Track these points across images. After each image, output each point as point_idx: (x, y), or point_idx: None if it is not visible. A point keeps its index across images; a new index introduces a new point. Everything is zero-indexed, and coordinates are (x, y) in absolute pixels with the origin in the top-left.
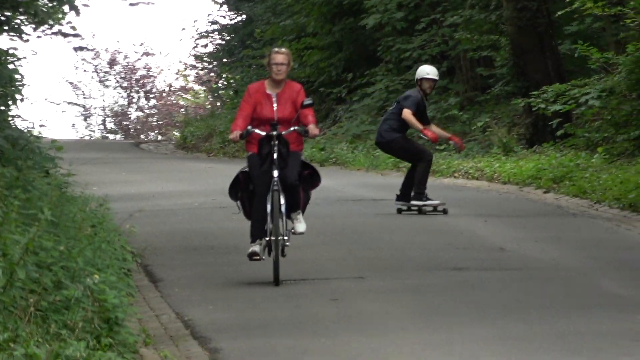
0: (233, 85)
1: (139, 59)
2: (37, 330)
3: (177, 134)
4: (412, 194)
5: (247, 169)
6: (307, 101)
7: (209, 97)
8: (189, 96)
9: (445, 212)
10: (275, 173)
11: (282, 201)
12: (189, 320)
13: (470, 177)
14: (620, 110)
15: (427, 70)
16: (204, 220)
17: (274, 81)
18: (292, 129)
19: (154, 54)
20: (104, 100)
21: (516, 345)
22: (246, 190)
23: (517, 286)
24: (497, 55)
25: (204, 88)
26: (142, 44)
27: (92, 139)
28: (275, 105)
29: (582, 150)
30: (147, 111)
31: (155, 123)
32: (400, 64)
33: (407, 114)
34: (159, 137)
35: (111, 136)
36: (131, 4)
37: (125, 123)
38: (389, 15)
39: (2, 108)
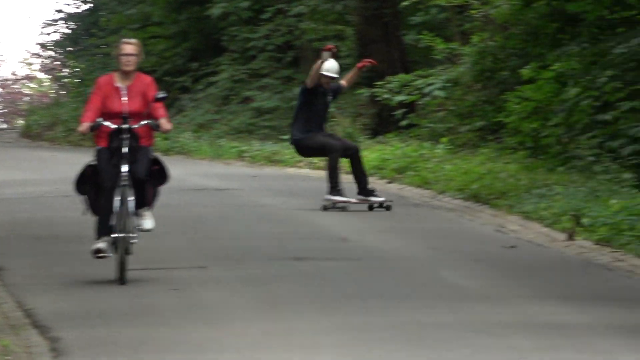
0: (78, 73)
1: None
2: None
3: (21, 122)
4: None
5: (94, 163)
6: (160, 94)
7: (54, 85)
8: (33, 84)
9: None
10: (125, 167)
11: (131, 197)
12: (30, 310)
13: (313, 167)
14: (464, 100)
15: (327, 67)
16: (47, 209)
17: (124, 73)
18: (143, 122)
19: None
20: None
21: (356, 335)
22: (93, 185)
23: (359, 276)
24: (342, 45)
25: (48, 76)
26: None
27: None
28: (125, 98)
29: (426, 141)
30: None
31: None
32: (245, 53)
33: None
34: (3, 126)
35: None
36: None
37: None
38: (234, 4)
39: None
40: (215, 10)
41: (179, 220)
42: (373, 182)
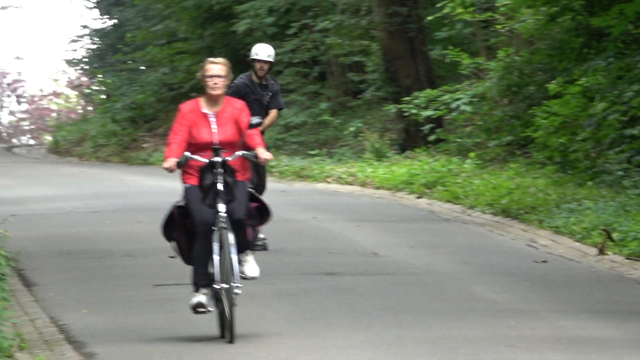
0: (105, 89)
1: (10, 63)
2: None
3: (49, 138)
4: None
5: (182, 204)
6: (255, 120)
7: (81, 101)
8: (60, 100)
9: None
10: (222, 207)
11: (232, 240)
12: (64, 325)
13: (343, 182)
14: (491, 115)
15: (255, 50)
16: (77, 224)
17: (211, 98)
18: (239, 153)
19: (24, 58)
20: None
21: (390, 350)
22: (183, 229)
23: (391, 291)
24: (368, 61)
25: (75, 92)
26: (12, 48)
27: None
28: (214, 126)
29: (454, 156)
30: (19, 115)
31: (27, 127)
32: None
33: None
34: (31, 141)
35: None
36: (2, 8)
37: None
38: (259, 20)
39: None
40: (241, 26)
41: None
42: (402, 198)
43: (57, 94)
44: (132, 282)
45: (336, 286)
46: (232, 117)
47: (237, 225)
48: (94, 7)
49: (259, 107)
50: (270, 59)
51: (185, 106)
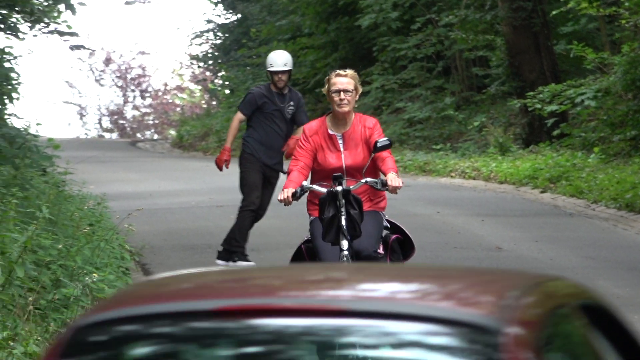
0: (229, 84)
1: (134, 58)
2: (36, 328)
3: (173, 132)
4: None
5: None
6: (383, 141)
7: (205, 96)
8: (184, 95)
9: None
10: (345, 244)
11: None
12: None
13: (467, 177)
14: (616, 110)
15: (270, 61)
16: (201, 219)
17: (338, 116)
18: (362, 181)
19: (149, 53)
20: (99, 99)
21: None
22: None
23: None
24: (492, 55)
25: (199, 87)
26: (137, 43)
27: (88, 137)
28: (342, 149)
29: (578, 150)
30: (143, 110)
31: (151, 122)
32: (395, 63)
33: (234, 118)
34: (155, 136)
35: (107, 135)
36: (127, 3)
37: (121, 122)
38: (384, 15)
39: None
40: (365, 21)
41: None
42: (526, 192)
43: (181, 89)
44: None
45: None
46: (363, 137)
47: (365, 261)
48: (219, 2)
49: (279, 119)
50: (288, 68)
51: (311, 126)
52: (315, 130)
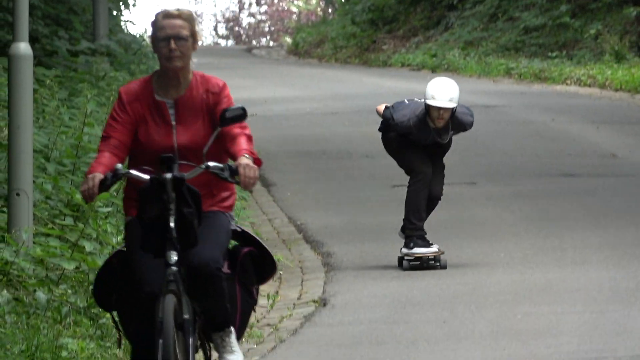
0: None
1: None
2: None
3: (288, 39)
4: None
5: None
6: (234, 110)
7: (321, 3)
8: (300, 2)
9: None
10: (173, 257)
11: (186, 315)
12: (302, 225)
13: (582, 84)
14: None
15: (432, 91)
16: (316, 125)
17: (168, 75)
18: (202, 167)
19: None
20: (215, 6)
21: (628, 251)
22: (126, 288)
23: (629, 193)
24: None
25: None
26: None
27: (203, 44)
28: (173, 122)
29: None
30: (259, 17)
31: (266, 29)
32: None
33: (379, 106)
34: (271, 43)
35: (223, 42)
36: None
37: (236, 29)
38: None
39: (115, 13)
40: None
41: None
42: None
43: None
44: (370, 183)
45: (574, 187)
46: (204, 106)
47: (203, 283)
48: None
49: (432, 151)
50: (453, 104)
51: (128, 90)
52: (135, 95)
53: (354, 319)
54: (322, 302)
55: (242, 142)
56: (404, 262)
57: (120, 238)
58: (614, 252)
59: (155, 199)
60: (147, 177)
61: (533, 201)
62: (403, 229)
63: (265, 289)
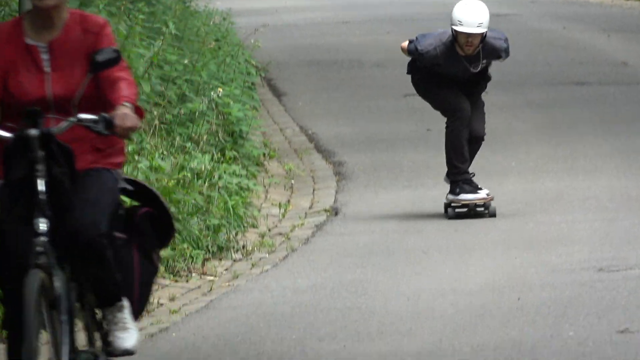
0: None
1: None
2: (161, 142)
3: None
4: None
5: None
6: (107, 53)
7: None
8: None
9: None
10: (42, 225)
11: (59, 291)
12: (313, 134)
13: None
14: None
15: (459, 16)
16: (327, 34)
17: (40, 14)
18: (72, 119)
19: None
20: None
21: (638, 158)
22: None
23: (639, 100)
24: None
25: None
26: None
27: None
28: (47, 68)
29: None
30: None
31: None
32: None
33: (403, 43)
34: None
35: None
36: None
37: None
38: None
39: None
40: None
41: None
42: None
43: None
44: (381, 92)
45: (585, 96)
46: (83, 48)
47: (86, 253)
48: None
49: (468, 87)
50: (482, 29)
51: None
52: (4, 39)
53: (365, 228)
54: (334, 211)
55: (122, 89)
56: (449, 210)
57: None
58: (625, 160)
59: (21, 159)
60: (9, 135)
61: (544, 110)
62: (448, 174)
63: (277, 198)
